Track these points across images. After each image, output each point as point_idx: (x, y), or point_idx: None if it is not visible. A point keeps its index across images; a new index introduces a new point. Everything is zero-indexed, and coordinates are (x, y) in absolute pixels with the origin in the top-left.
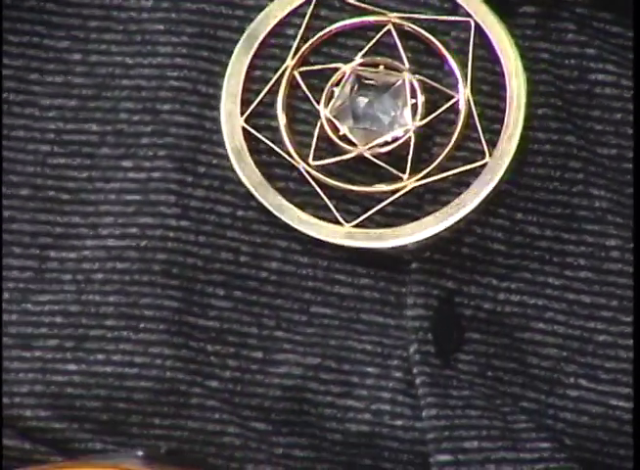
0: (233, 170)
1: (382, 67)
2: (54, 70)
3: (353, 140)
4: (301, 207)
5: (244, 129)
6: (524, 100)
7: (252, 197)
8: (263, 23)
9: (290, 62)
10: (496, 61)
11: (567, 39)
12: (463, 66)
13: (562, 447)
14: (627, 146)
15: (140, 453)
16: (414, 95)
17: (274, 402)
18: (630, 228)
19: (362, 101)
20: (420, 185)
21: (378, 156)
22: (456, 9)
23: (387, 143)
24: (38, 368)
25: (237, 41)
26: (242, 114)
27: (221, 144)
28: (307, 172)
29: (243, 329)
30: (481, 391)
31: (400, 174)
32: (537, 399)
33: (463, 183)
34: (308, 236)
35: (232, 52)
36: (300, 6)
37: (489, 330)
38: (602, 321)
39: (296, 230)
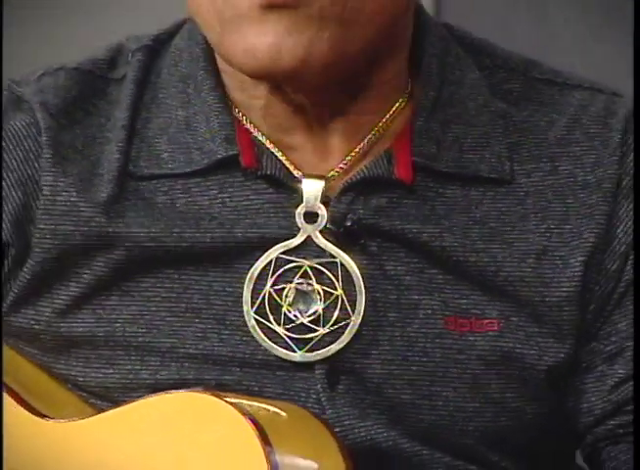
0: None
1: (305, 284)
2: None
3: (299, 316)
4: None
5: (255, 319)
6: (364, 299)
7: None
8: (249, 278)
9: (268, 287)
10: (350, 277)
11: (373, 253)
12: (338, 280)
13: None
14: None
15: (199, 389)
16: (320, 296)
17: None
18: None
19: (298, 299)
20: (328, 332)
21: (311, 321)
22: (330, 253)
23: (311, 315)
24: None
25: None
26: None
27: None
28: (283, 333)
29: None
30: (349, 400)
31: (318, 328)
32: (377, 399)
33: (342, 329)
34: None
35: None
36: (267, 265)
37: (351, 375)
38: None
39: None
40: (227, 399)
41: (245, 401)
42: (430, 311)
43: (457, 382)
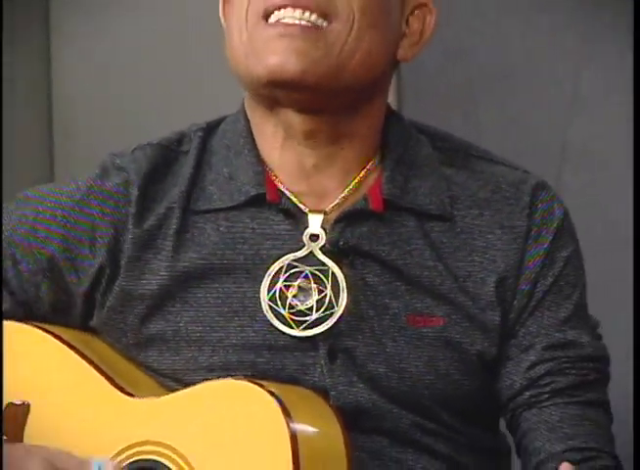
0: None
1: (305, 283)
2: None
3: (299, 304)
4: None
5: (268, 305)
6: (346, 296)
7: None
8: (267, 275)
9: (279, 283)
10: (337, 281)
11: (357, 267)
12: (328, 282)
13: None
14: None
15: (240, 376)
16: (315, 292)
17: None
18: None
19: (300, 293)
20: (318, 317)
21: (307, 309)
22: (324, 263)
23: (308, 305)
24: None
25: None
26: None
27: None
28: (287, 316)
29: None
30: (343, 371)
31: (311, 313)
32: (362, 371)
33: (328, 316)
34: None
35: None
36: (279, 269)
37: (345, 353)
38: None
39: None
40: (260, 384)
41: (270, 385)
42: (396, 311)
43: (417, 361)
